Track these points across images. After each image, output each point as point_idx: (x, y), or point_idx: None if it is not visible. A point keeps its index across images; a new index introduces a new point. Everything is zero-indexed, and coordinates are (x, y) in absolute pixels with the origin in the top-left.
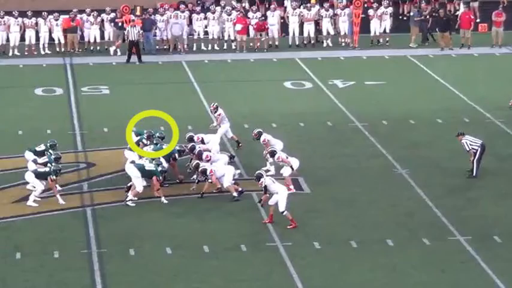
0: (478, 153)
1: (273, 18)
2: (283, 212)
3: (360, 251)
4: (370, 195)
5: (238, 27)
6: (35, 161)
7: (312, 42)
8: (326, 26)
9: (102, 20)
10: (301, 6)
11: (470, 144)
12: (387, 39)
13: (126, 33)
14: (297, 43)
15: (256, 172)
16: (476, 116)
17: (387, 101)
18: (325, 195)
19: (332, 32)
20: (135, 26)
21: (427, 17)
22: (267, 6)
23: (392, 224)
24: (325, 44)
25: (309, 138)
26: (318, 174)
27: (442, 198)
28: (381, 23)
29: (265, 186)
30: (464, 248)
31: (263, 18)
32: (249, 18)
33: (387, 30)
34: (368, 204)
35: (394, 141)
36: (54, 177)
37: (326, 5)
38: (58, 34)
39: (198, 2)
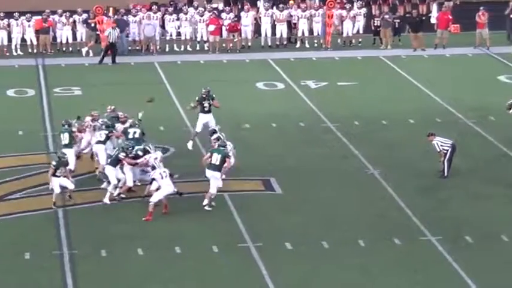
0: (448, 153)
1: (247, 19)
2: (150, 202)
3: (332, 251)
4: (342, 195)
5: (211, 28)
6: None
7: (285, 43)
8: (302, 27)
9: (75, 21)
10: (274, 7)
11: (441, 145)
12: (360, 39)
13: (107, 35)
14: (270, 44)
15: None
16: (449, 116)
17: (359, 101)
18: (296, 196)
19: (307, 33)
20: (115, 28)
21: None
22: (239, 7)
23: (364, 225)
24: (298, 45)
25: (281, 138)
26: (289, 174)
27: (414, 198)
28: (354, 23)
29: (153, 179)
30: (436, 248)
31: (236, 19)
32: (222, 19)
33: (360, 31)
34: (340, 205)
35: (366, 141)
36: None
37: (303, 5)
38: (30, 35)
39: (171, 2)
